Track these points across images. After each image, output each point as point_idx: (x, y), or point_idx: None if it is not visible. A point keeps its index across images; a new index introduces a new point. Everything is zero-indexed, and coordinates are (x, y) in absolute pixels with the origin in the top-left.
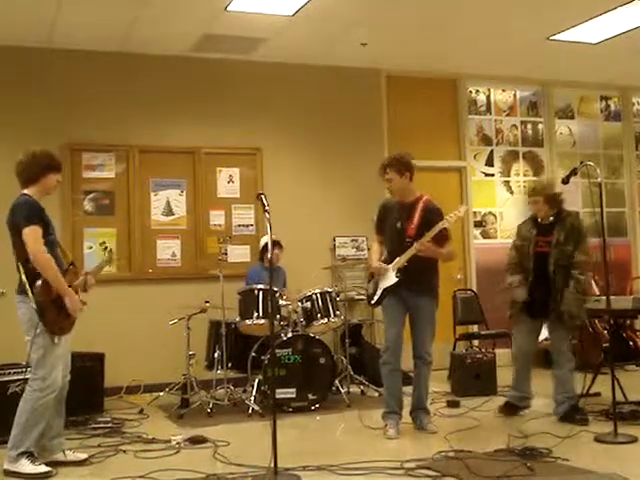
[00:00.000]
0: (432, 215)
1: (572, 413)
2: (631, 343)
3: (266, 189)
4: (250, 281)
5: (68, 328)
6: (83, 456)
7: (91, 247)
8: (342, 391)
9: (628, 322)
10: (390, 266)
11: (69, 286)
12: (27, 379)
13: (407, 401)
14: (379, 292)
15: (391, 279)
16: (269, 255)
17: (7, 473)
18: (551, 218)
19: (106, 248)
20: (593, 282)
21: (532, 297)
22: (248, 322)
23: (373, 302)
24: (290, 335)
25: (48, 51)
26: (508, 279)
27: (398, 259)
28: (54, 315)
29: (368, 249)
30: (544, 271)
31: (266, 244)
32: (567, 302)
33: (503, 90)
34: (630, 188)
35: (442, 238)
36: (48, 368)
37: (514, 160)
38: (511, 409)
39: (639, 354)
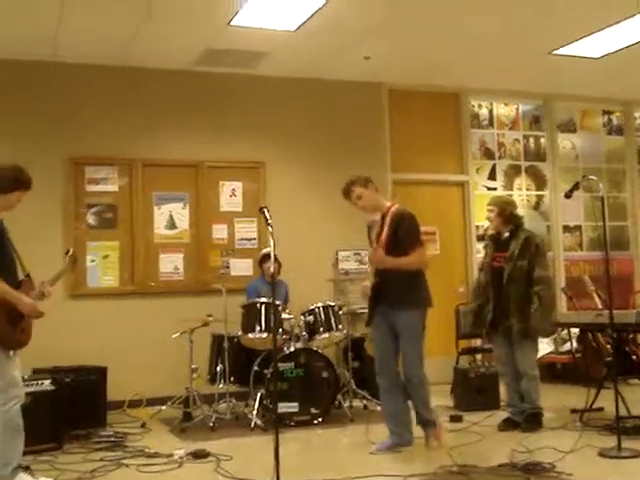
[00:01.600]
0: (397, 222)
1: (527, 419)
2: (634, 357)
3: (268, 203)
4: (248, 296)
5: (24, 342)
6: None
7: (93, 260)
8: (344, 405)
9: (631, 336)
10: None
11: None
12: None
13: None
14: (368, 312)
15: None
16: (270, 268)
17: None
18: (507, 234)
19: (67, 252)
20: (596, 296)
21: (494, 312)
22: (250, 336)
23: (366, 322)
24: (292, 349)
25: (50, 65)
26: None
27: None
28: (9, 328)
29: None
30: (500, 286)
31: (263, 256)
32: (533, 319)
33: (505, 104)
34: (632, 202)
35: (406, 246)
36: (7, 380)
37: (517, 174)
38: (511, 425)
39: None
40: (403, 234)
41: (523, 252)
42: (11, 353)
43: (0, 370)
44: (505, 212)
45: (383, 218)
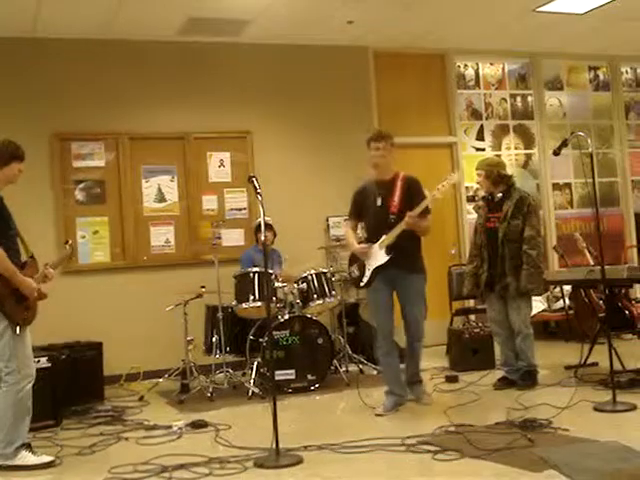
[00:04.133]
0: (413, 189)
1: (522, 377)
2: (627, 312)
3: (257, 172)
4: (243, 265)
5: (30, 319)
6: None
7: (84, 236)
8: (341, 370)
9: (623, 291)
10: (376, 245)
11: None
12: None
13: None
14: (368, 273)
15: (381, 258)
16: (262, 237)
17: (6, 468)
18: (499, 195)
19: (67, 242)
20: (587, 252)
21: (489, 272)
22: (244, 305)
23: (363, 284)
24: (287, 317)
25: (32, 41)
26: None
27: (385, 237)
28: (15, 306)
29: (362, 228)
30: (496, 246)
31: (259, 225)
32: (523, 279)
33: (491, 64)
34: (621, 158)
35: (423, 211)
36: (20, 359)
37: (505, 134)
38: (507, 383)
39: (635, 323)
40: (418, 200)
41: (517, 212)
42: (18, 329)
43: (12, 349)
44: (492, 174)
45: (391, 182)
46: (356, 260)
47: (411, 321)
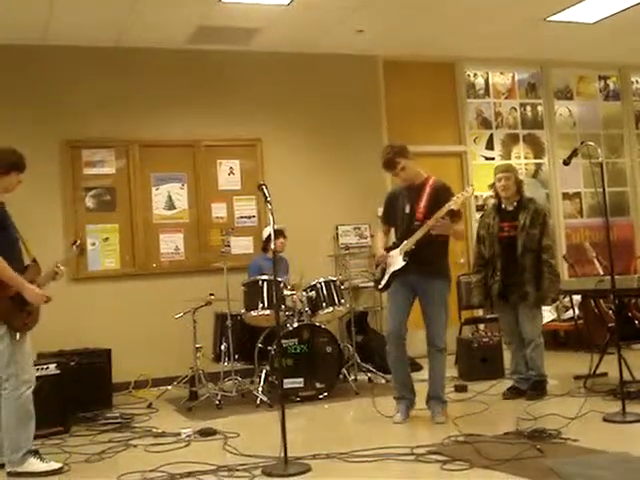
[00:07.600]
0: (441, 194)
1: (532, 387)
2: (637, 322)
3: (267, 179)
4: (251, 273)
5: (31, 325)
6: None
7: (94, 244)
8: (349, 379)
9: (633, 301)
10: (397, 250)
11: (31, 282)
12: None
13: (418, 387)
14: (386, 276)
15: (399, 263)
16: (272, 245)
17: (15, 475)
18: (514, 204)
19: (74, 243)
20: (597, 262)
21: (503, 281)
22: (253, 313)
23: (381, 287)
24: (296, 325)
25: (44, 48)
26: (472, 278)
27: (406, 242)
28: (14, 312)
29: (371, 236)
30: (512, 255)
31: (270, 234)
32: (545, 288)
33: (501, 73)
34: (631, 167)
35: (454, 216)
36: (19, 364)
37: (514, 143)
38: (516, 393)
39: None
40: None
41: (534, 222)
42: (17, 336)
43: (10, 354)
44: (518, 180)
45: (420, 187)
46: (380, 263)
47: (430, 329)
